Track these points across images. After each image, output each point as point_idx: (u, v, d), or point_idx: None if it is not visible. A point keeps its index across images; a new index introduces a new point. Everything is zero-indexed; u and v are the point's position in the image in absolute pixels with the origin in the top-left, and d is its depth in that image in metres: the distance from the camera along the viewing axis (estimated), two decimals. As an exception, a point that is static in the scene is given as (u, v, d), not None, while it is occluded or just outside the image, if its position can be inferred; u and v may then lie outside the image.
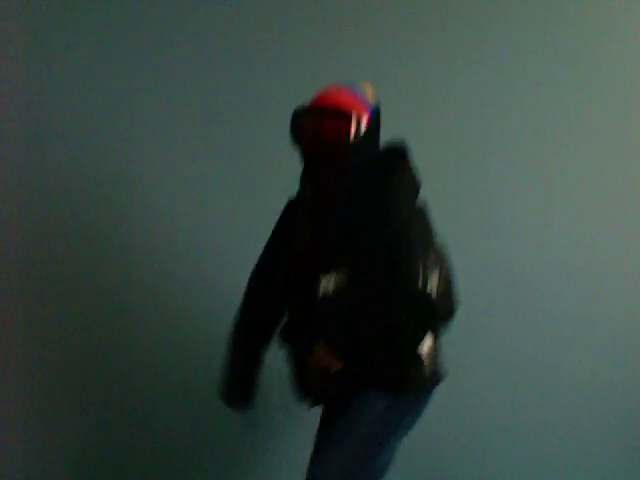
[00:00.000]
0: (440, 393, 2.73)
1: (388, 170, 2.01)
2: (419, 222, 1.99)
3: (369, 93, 2.04)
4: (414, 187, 2.05)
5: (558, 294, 2.84)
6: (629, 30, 2.89)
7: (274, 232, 2.18)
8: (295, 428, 2.63)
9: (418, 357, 1.95)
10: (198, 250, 2.73)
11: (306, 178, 2.05)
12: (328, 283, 1.94)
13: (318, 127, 1.95)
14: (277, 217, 2.20)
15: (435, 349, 2.02)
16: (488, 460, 2.82)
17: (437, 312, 1.92)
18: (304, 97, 2.05)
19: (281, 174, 2.39)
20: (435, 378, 2.04)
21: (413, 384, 1.97)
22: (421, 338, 1.95)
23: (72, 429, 2.70)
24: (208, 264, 2.74)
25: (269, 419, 2.63)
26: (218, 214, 2.74)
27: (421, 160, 2.77)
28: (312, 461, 2.00)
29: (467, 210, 2.81)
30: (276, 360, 2.15)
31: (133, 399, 2.72)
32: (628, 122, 2.88)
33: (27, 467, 2.68)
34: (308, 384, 1.98)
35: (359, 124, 1.96)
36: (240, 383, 2.14)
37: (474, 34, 2.83)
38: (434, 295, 1.88)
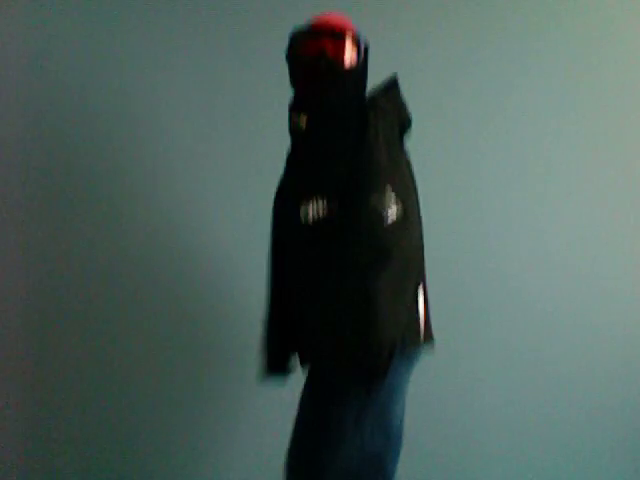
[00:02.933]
0: (440, 392, 2.77)
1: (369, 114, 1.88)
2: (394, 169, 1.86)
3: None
4: (394, 127, 1.93)
5: (557, 294, 2.84)
6: (629, 30, 2.90)
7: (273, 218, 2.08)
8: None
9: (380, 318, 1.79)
10: (198, 248, 2.73)
11: (298, 108, 1.94)
12: (308, 210, 1.84)
13: (321, 47, 1.90)
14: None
15: (426, 308, 1.92)
16: (488, 459, 2.82)
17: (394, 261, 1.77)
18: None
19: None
20: (415, 340, 1.88)
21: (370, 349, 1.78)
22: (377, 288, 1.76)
23: (72, 429, 2.70)
24: (208, 262, 2.74)
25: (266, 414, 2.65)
26: (219, 212, 2.74)
27: (421, 161, 2.80)
28: (290, 448, 1.90)
29: (467, 210, 2.81)
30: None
31: (133, 399, 2.72)
32: (628, 123, 2.89)
33: (27, 467, 2.68)
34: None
35: (360, 47, 1.94)
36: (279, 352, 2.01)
37: (474, 34, 2.83)
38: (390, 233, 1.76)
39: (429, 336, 1.96)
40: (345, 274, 1.77)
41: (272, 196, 2.05)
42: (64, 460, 2.70)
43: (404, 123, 1.97)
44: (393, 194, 1.78)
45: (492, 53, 2.84)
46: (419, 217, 1.92)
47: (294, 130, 1.95)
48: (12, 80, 2.69)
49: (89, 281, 2.70)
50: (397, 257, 1.76)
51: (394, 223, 1.76)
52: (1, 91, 2.69)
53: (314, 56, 1.89)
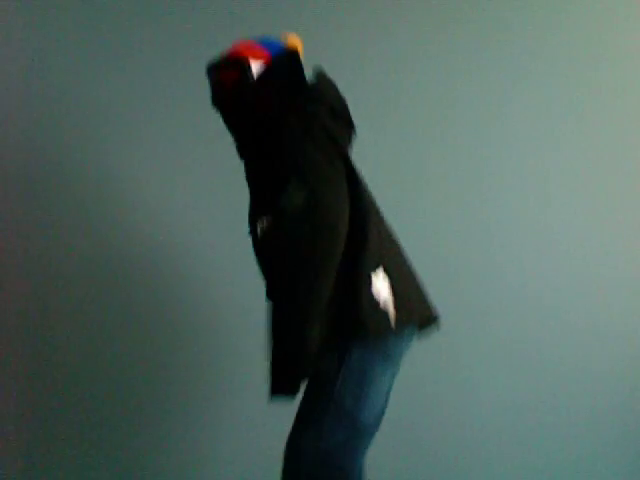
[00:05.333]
0: (440, 392, 2.77)
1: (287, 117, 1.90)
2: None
3: (291, 40, 2.02)
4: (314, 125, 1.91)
5: (558, 293, 2.85)
6: (629, 32, 2.90)
7: None
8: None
9: (362, 302, 1.78)
10: (198, 249, 2.74)
11: (232, 135, 2.03)
12: (259, 228, 1.90)
13: (219, 80, 1.98)
14: None
15: (395, 292, 1.85)
16: (488, 459, 2.83)
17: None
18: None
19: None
20: (398, 322, 1.83)
21: (360, 330, 1.78)
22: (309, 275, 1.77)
23: (72, 429, 2.71)
24: (208, 263, 2.74)
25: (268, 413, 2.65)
26: (219, 213, 2.74)
27: (421, 162, 2.82)
28: (292, 431, 1.90)
29: (467, 210, 2.82)
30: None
31: (133, 399, 2.72)
32: (628, 123, 2.89)
33: (27, 467, 2.68)
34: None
35: (247, 67, 1.94)
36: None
37: (473, 34, 2.84)
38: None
39: (413, 318, 1.89)
40: (277, 279, 1.84)
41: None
42: (64, 460, 2.70)
43: (333, 110, 1.95)
44: (297, 182, 1.80)
45: (492, 54, 2.84)
46: (360, 199, 1.88)
47: (240, 157, 2.03)
48: (12, 81, 2.69)
49: (89, 283, 2.71)
50: (301, 246, 1.78)
51: (296, 210, 1.79)
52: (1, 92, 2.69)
53: (216, 91, 1.99)
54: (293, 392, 1.80)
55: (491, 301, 2.81)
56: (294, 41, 2.02)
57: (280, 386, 1.81)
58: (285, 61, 1.97)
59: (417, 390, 2.69)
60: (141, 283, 2.73)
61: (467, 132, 2.83)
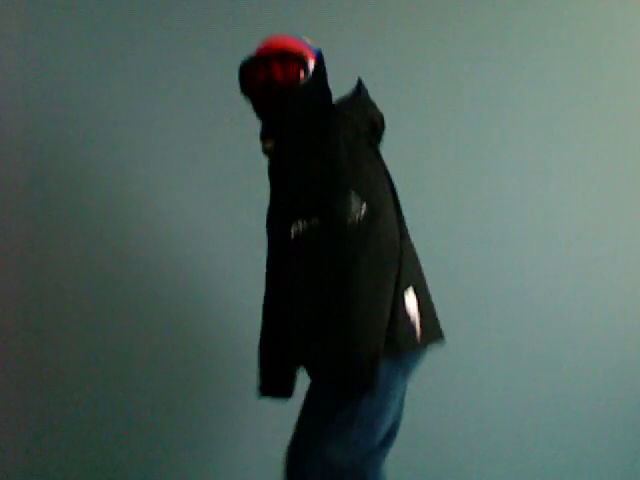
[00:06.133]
0: (440, 391, 2.77)
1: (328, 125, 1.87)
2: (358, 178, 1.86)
3: (310, 42, 2.00)
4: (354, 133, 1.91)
5: (558, 293, 2.85)
6: (629, 30, 2.90)
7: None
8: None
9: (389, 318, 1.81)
10: (198, 252, 2.74)
11: (266, 134, 1.96)
12: (293, 230, 1.86)
13: (269, 73, 1.90)
14: None
15: (421, 312, 1.89)
16: (488, 459, 2.83)
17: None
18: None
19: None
20: (422, 340, 1.88)
21: (393, 346, 1.81)
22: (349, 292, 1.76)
23: (72, 429, 2.71)
24: (208, 265, 2.74)
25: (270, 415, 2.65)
26: (219, 214, 2.74)
27: (421, 162, 2.82)
28: (292, 452, 1.90)
29: (468, 210, 2.82)
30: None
31: (133, 399, 2.72)
32: (628, 122, 2.89)
33: (27, 467, 2.68)
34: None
35: (307, 65, 1.91)
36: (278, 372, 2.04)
37: (474, 35, 2.84)
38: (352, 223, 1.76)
39: (432, 337, 1.94)
40: (321, 285, 1.80)
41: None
42: (64, 460, 2.70)
43: (374, 124, 1.98)
44: (357, 197, 1.78)
45: (492, 54, 2.84)
46: (397, 215, 1.91)
47: (266, 153, 1.98)
48: (12, 81, 2.69)
49: (88, 282, 2.71)
50: (365, 257, 1.77)
51: (360, 224, 1.78)
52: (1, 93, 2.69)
53: (264, 84, 1.91)
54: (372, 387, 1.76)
55: (491, 301, 2.81)
56: (312, 42, 2.00)
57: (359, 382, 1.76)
58: (324, 64, 1.92)
59: (417, 390, 2.69)
60: (141, 283, 2.73)
61: (467, 132, 2.83)
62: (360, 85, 2.01)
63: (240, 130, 2.71)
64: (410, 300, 1.87)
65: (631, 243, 2.88)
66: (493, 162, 2.84)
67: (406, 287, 1.86)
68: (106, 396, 2.71)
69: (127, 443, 2.72)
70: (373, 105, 2.01)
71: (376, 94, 2.76)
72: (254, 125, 2.74)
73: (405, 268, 1.87)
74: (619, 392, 2.87)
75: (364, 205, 1.78)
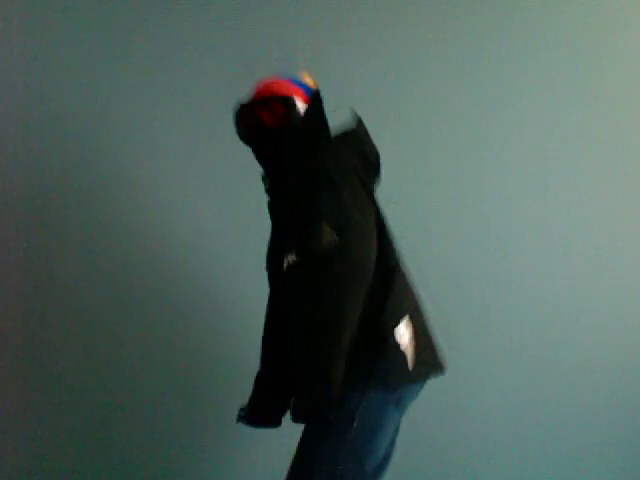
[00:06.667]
0: (440, 391, 2.76)
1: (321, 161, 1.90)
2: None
3: (307, 80, 2.01)
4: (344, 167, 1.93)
5: (559, 293, 2.84)
6: (630, 30, 2.90)
7: None
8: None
9: (381, 348, 1.83)
10: (199, 252, 2.74)
11: (265, 174, 2.02)
12: (285, 263, 1.90)
13: (257, 118, 1.94)
14: None
15: (415, 344, 1.88)
16: (488, 459, 2.83)
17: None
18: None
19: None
20: (416, 373, 1.88)
21: (381, 378, 1.82)
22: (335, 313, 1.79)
23: (72, 429, 2.70)
24: (208, 266, 2.74)
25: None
26: (219, 214, 2.74)
27: (421, 162, 2.81)
28: (295, 472, 1.90)
29: (467, 211, 2.82)
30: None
31: (133, 399, 2.72)
32: (628, 123, 2.89)
33: (27, 467, 2.68)
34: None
35: (294, 105, 1.93)
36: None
37: (474, 35, 2.84)
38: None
39: (429, 369, 1.94)
40: (299, 316, 1.85)
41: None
42: (64, 461, 2.70)
43: (368, 160, 1.98)
44: (328, 228, 1.79)
45: (493, 54, 2.84)
46: (388, 246, 1.91)
47: (266, 191, 2.03)
48: (12, 81, 2.69)
49: (89, 283, 2.71)
50: (328, 288, 1.79)
51: (328, 256, 1.78)
52: (1, 94, 2.69)
53: (255, 129, 1.95)
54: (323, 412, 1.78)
55: (492, 301, 2.81)
56: (311, 81, 2.01)
57: (305, 407, 1.80)
58: (320, 102, 1.93)
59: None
60: (142, 283, 2.72)
61: (467, 132, 2.83)
62: (359, 123, 2.02)
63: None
64: (402, 331, 1.86)
65: (632, 243, 2.88)
66: (493, 163, 2.84)
67: (399, 318, 1.87)
68: (106, 396, 2.70)
69: (127, 443, 2.71)
70: (370, 141, 2.02)
71: (376, 94, 2.78)
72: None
73: (398, 299, 1.87)
74: (619, 392, 2.86)
75: (335, 237, 1.80)
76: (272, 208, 2.04)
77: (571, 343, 2.84)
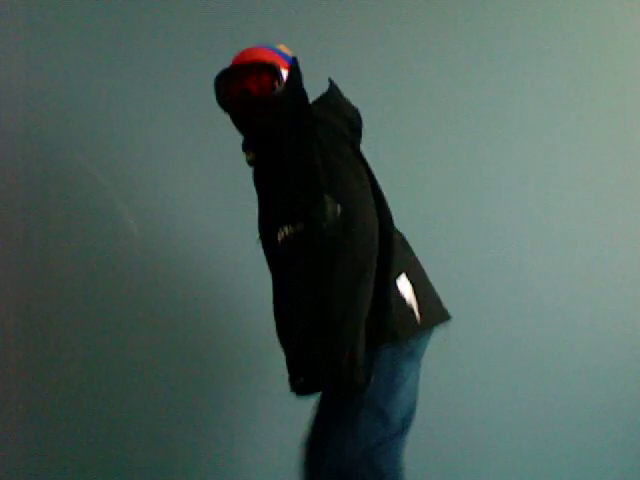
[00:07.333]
0: (440, 391, 2.77)
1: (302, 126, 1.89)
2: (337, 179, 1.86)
3: (284, 49, 2.02)
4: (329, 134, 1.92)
5: (559, 293, 2.85)
6: (630, 30, 2.90)
7: None
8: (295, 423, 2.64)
9: (384, 305, 1.83)
10: (198, 250, 2.74)
11: (246, 145, 2.00)
12: (280, 237, 1.90)
13: (243, 86, 1.94)
14: None
15: (417, 296, 1.91)
16: (488, 459, 2.83)
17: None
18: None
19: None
20: (423, 323, 1.91)
21: (389, 333, 1.84)
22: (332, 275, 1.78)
23: (72, 429, 2.71)
24: (208, 264, 2.74)
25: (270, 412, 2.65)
26: (218, 215, 2.74)
27: (421, 162, 2.82)
28: (307, 445, 1.91)
29: (467, 211, 2.82)
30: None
31: (133, 399, 2.72)
32: (628, 123, 2.89)
33: (27, 467, 2.68)
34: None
35: (280, 74, 1.93)
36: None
37: (474, 35, 2.84)
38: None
39: (435, 318, 1.96)
40: (306, 290, 1.82)
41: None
42: (64, 461, 2.70)
43: (351, 122, 1.98)
44: (332, 201, 1.79)
45: (492, 55, 2.85)
46: (382, 210, 1.90)
47: (249, 164, 2.01)
48: (12, 81, 2.69)
49: (89, 283, 2.72)
50: (341, 262, 1.77)
51: (335, 227, 1.77)
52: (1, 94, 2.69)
53: (238, 96, 1.94)
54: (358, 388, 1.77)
55: (492, 300, 2.82)
56: (288, 50, 2.02)
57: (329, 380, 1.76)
58: (299, 70, 1.94)
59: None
60: (142, 283, 2.73)
61: (467, 133, 2.83)
62: (332, 85, 2.02)
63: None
64: (403, 286, 1.89)
65: (632, 243, 2.88)
66: (493, 162, 2.84)
67: (398, 275, 1.89)
68: (106, 396, 2.71)
69: (127, 443, 2.72)
70: (347, 103, 2.02)
71: (376, 94, 2.78)
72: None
73: (395, 257, 1.88)
74: (620, 392, 2.87)
75: (338, 208, 1.79)
76: (257, 179, 2.02)
77: (571, 343, 2.85)
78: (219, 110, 2.70)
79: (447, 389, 2.79)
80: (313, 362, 1.78)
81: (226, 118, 2.67)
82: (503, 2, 2.86)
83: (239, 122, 1.99)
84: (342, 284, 1.76)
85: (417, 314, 1.89)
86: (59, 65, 2.70)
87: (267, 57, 1.96)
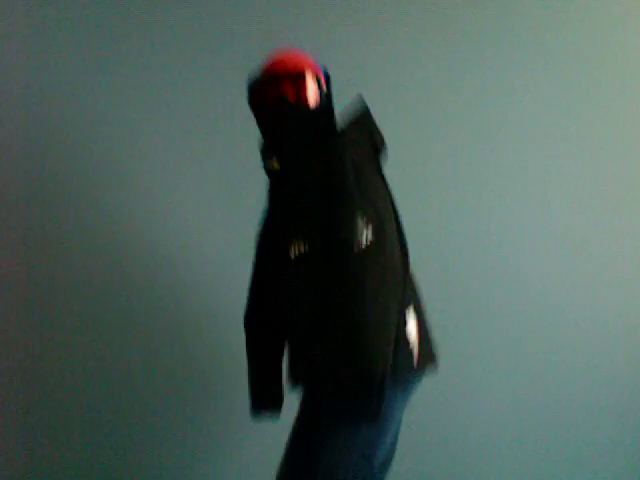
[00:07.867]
0: (439, 391, 2.77)
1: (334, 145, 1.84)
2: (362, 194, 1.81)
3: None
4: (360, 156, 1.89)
5: (560, 293, 2.85)
6: (629, 31, 2.90)
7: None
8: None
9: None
10: (198, 250, 2.74)
11: (272, 150, 1.90)
12: (292, 251, 1.83)
13: (280, 92, 1.87)
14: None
15: (419, 333, 1.87)
16: (488, 459, 2.83)
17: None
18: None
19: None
20: (420, 362, 1.87)
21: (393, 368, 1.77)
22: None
23: (72, 429, 2.71)
24: (208, 264, 2.74)
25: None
26: (217, 215, 2.74)
27: (422, 162, 2.82)
28: (296, 464, 1.86)
29: (467, 211, 2.82)
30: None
31: (133, 399, 2.72)
32: (628, 123, 2.89)
33: (27, 467, 2.68)
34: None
35: (322, 87, 1.89)
36: (268, 389, 2.05)
37: (474, 35, 2.84)
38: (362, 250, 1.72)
39: (427, 360, 1.91)
40: (328, 311, 1.76)
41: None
42: (64, 461, 2.70)
43: (377, 147, 1.95)
44: (362, 220, 1.75)
45: (492, 55, 2.84)
46: (401, 237, 1.88)
47: (269, 171, 1.93)
48: (12, 81, 2.69)
49: (89, 284, 2.71)
50: (371, 285, 1.72)
51: (366, 249, 1.73)
52: (1, 94, 2.69)
53: (275, 102, 1.87)
54: (376, 415, 1.73)
55: (491, 301, 2.81)
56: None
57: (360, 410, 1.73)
58: (330, 81, 1.90)
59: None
60: (142, 284, 2.73)
61: (467, 133, 2.83)
62: (364, 106, 1.97)
63: (240, 131, 2.73)
64: (411, 322, 1.85)
65: (632, 243, 2.88)
66: (493, 162, 2.84)
67: (407, 306, 1.85)
68: (106, 396, 2.70)
69: (127, 443, 2.72)
70: (376, 127, 1.98)
71: (377, 94, 2.77)
72: (253, 125, 2.76)
73: (407, 290, 1.86)
74: (620, 392, 2.86)
75: (370, 230, 1.74)
76: (275, 186, 1.95)
77: (571, 343, 2.84)
78: (219, 110, 2.72)
79: (447, 389, 2.78)
80: (334, 390, 1.73)
81: (226, 119, 2.70)
82: (503, 2, 2.86)
83: (268, 126, 1.91)
84: (373, 310, 1.71)
85: (416, 353, 1.85)
86: (59, 65, 2.70)
87: (309, 67, 1.90)
